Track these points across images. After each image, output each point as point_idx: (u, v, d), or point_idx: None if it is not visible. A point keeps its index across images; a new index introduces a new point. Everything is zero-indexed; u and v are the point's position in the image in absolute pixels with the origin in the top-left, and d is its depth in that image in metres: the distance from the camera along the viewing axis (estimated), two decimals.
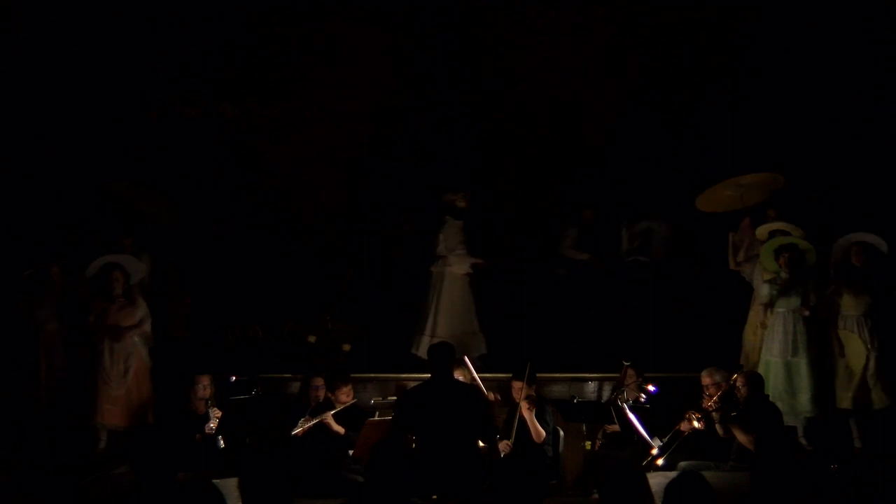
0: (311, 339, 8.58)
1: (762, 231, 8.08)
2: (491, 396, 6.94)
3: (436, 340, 8.26)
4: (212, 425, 6.78)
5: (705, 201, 8.53)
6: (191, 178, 9.18)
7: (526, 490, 4.07)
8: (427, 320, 8.78)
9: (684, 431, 6.56)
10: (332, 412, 6.93)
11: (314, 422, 6.87)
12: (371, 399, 7.55)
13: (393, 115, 9.45)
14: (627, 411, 6.78)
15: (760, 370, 7.43)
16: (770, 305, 7.70)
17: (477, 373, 7.21)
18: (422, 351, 8.52)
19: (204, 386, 6.98)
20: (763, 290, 7.78)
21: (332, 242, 9.00)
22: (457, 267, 8.84)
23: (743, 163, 8.83)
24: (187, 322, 8.91)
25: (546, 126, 9.39)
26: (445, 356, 5.87)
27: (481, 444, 6.01)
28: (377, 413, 7.17)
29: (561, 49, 9.10)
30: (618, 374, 7.32)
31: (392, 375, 8.27)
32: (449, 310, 8.79)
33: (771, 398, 6.96)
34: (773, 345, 7.63)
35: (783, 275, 7.67)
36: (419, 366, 8.03)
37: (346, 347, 8.60)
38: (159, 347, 8.07)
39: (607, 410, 6.90)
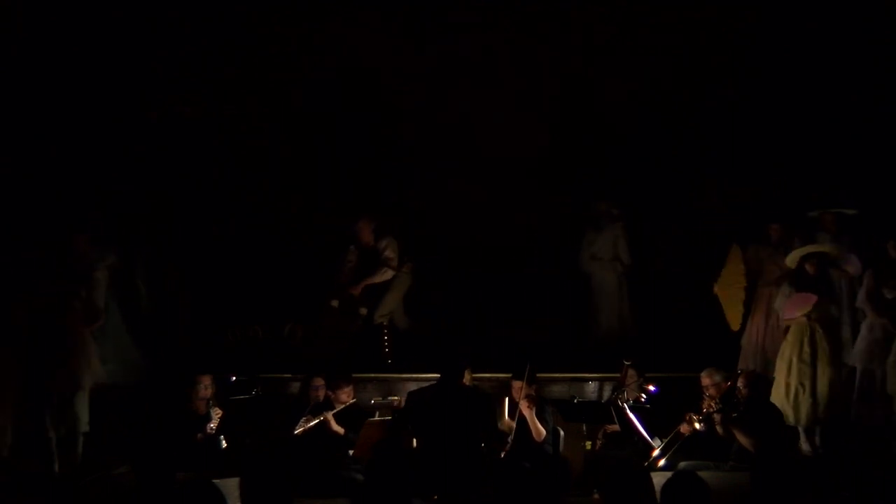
0: (335, 303, 8.63)
1: (792, 259, 7.85)
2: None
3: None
4: (213, 425, 6.76)
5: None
6: (191, 178, 9.18)
7: (536, 492, 4.07)
8: (594, 317, 9.05)
9: (684, 433, 6.56)
10: (333, 412, 6.92)
11: (315, 421, 6.86)
12: (371, 399, 7.54)
13: (393, 115, 9.46)
14: (628, 411, 6.78)
15: None
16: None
17: (476, 373, 7.21)
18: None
19: (205, 386, 6.96)
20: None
21: (333, 242, 9.00)
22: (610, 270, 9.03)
23: (742, 163, 8.86)
24: (187, 322, 8.92)
25: (545, 126, 9.39)
26: (456, 360, 5.89)
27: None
28: (377, 413, 7.17)
29: (561, 49, 9.10)
30: (618, 374, 7.33)
31: (392, 375, 8.28)
32: (605, 308, 9.02)
33: None
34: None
35: None
36: (419, 366, 8.02)
37: (363, 311, 8.65)
38: (159, 347, 8.05)
39: (607, 410, 6.90)
